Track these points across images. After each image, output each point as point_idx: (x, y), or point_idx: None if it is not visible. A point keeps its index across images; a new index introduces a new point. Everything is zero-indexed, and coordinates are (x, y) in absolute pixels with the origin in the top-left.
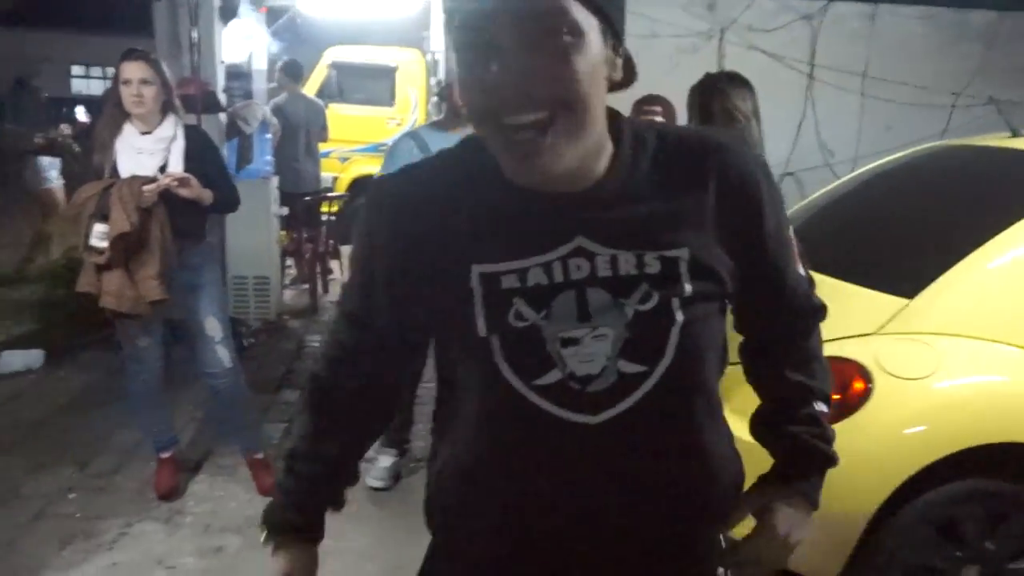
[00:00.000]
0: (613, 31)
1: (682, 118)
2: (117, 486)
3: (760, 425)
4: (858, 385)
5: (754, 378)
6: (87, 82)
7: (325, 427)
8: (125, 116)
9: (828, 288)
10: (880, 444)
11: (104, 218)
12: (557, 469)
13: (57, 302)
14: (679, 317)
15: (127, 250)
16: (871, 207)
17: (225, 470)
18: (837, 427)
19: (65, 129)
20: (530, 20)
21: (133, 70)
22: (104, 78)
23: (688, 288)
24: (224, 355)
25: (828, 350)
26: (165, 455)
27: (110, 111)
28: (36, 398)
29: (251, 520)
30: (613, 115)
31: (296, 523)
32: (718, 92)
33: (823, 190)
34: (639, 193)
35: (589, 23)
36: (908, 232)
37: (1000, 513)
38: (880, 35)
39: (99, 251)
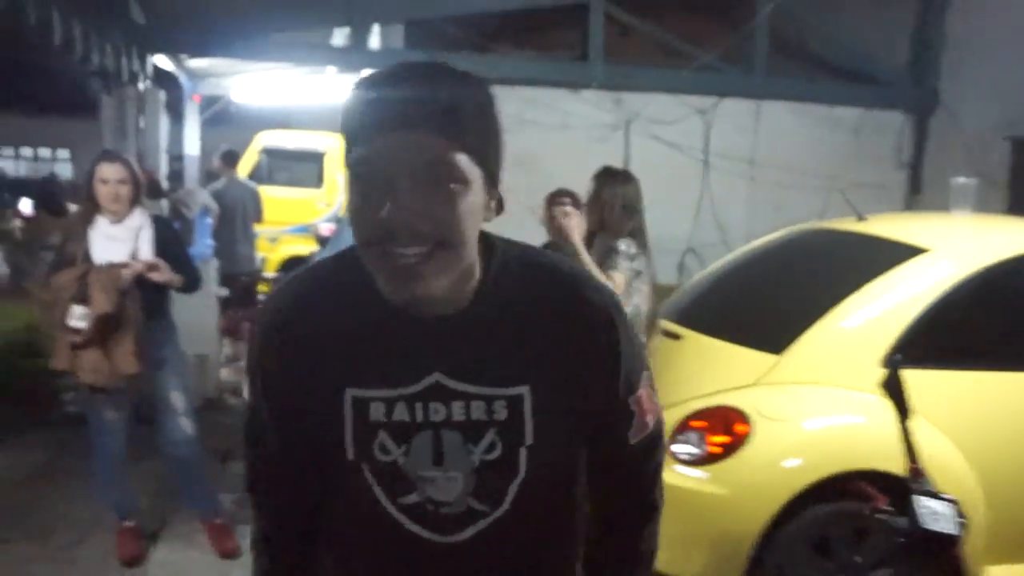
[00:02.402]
0: (493, 181)
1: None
2: (80, 557)
3: None
4: (740, 428)
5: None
6: (15, 163)
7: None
8: (98, 208)
9: (715, 348)
10: (762, 474)
11: (83, 301)
12: None
13: None
14: (521, 472)
15: (104, 329)
16: (750, 279)
17: (182, 538)
18: (727, 463)
19: (17, 222)
20: (424, 168)
21: (111, 172)
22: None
23: (530, 436)
24: (187, 425)
25: (716, 400)
26: (129, 523)
27: (84, 205)
28: None
29: None
30: (487, 241)
31: None
32: (604, 183)
33: (714, 264)
34: (495, 325)
35: (474, 174)
36: (777, 299)
37: (862, 529)
38: (764, 128)
39: (76, 331)
